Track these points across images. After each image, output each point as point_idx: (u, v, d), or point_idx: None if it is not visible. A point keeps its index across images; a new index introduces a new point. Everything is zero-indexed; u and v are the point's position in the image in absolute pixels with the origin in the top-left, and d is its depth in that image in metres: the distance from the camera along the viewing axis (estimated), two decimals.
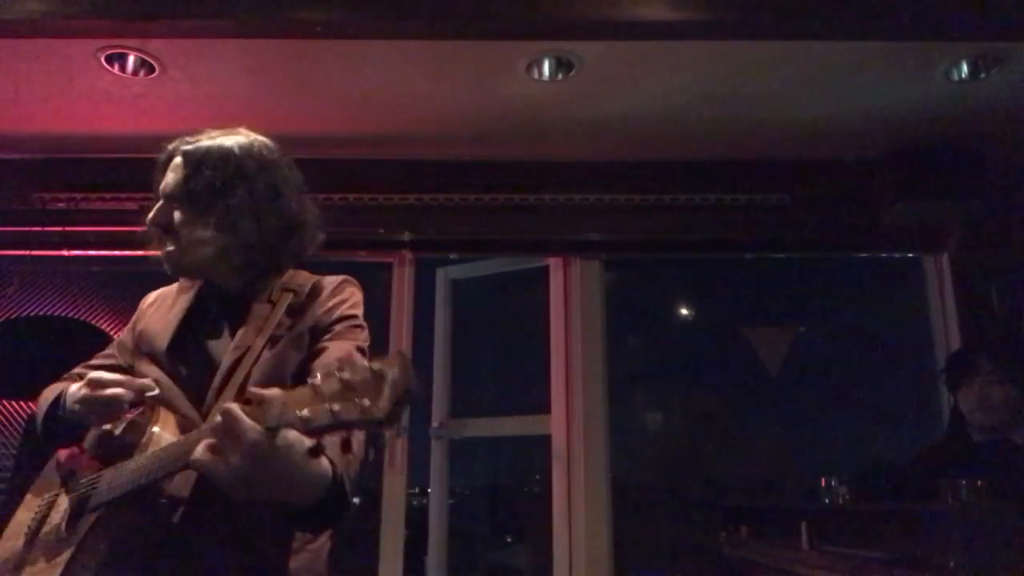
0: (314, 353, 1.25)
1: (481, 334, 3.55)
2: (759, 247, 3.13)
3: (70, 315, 3.05)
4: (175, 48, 2.26)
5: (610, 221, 2.99)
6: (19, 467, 2.55)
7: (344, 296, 1.35)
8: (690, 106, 2.62)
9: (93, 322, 3.02)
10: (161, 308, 1.40)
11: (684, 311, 3.56)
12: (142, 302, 1.48)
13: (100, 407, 1.19)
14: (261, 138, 1.37)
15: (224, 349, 1.25)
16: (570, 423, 2.93)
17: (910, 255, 3.18)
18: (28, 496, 1.29)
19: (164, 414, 1.21)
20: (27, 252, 2.96)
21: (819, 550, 1.87)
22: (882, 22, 2.09)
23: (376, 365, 0.80)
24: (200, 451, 0.93)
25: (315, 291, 1.34)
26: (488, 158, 2.99)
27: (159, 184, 1.32)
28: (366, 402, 0.78)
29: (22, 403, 2.94)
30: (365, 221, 2.89)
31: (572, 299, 3.07)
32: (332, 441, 0.89)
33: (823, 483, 2.03)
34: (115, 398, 1.17)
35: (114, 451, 1.21)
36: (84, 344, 2.87)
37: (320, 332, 1.28)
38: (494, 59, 2.34)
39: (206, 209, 1.26)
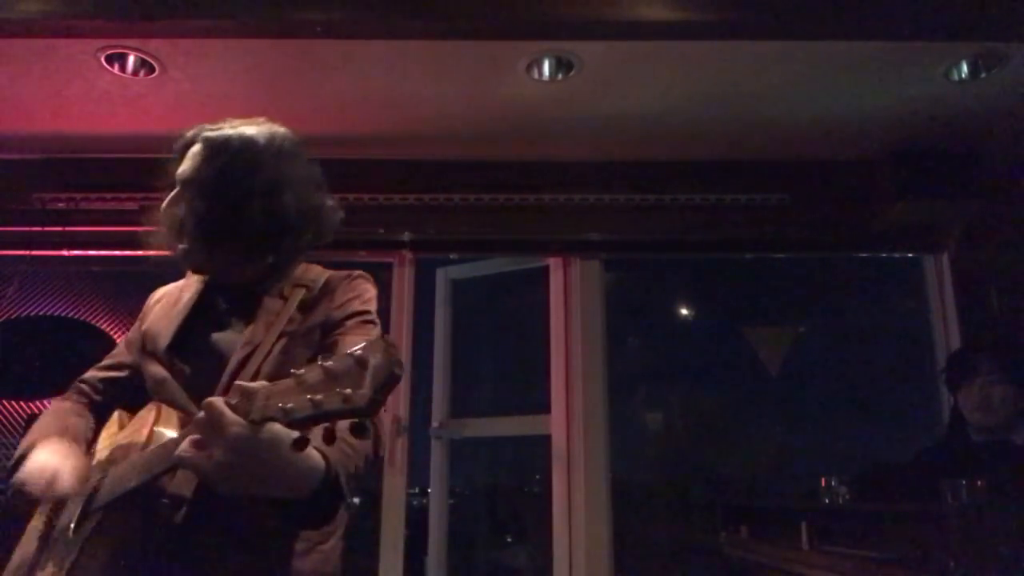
0: (325, 349, 1.22)
1: (481, 334, 3.55)
2: (759, 247, 3.13)
3: (70, 315, 3.05)
4: (175, 48, 2.26)
5: (610, 221, 2.99)
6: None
7: (357, 291, 1.32)
8: (690, 106, 2.62)
9: (93, 322, 3.02)
10: (167, 304, 1.37)
11: (684, 311, 3.56)
12: (149, 298, 1.45)
13: (34, 499, 1.15)
14: (283, 129, 1.34)
15: (233, 345, 1.22)
16: (570, 423, 2.93)
17: (910, 255, 3.18)
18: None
19: (166, 411, 1.19)
20: (27, 252, 2.96)
21: (819, 550, 1.87)
22: (882, 22, 2.09)
23: (358, 351, 0.78)
24: (184, 446, 0.92)
25: (327, 286, 1.32)
26: (488, 158, 2.99)
27: (175, 170, 1.30)
28: (348, 391, 0.76)
29: (22, 403, 2.94)
30: (365, 221, 2.89)
31: (572, 299, 3.07)
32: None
33: (823, 483, 2.03)
34: (49, 493, 1.13)
35: (119, 450, 1.19)
36: (84, 344, 2.90)
37: (331, 328, 1.25)
38: (494, 59, 2.34)
39: (222, 199, 1.23)
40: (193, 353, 1.25)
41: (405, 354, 2.99)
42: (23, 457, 1.19)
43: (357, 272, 1.37)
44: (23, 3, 2.03)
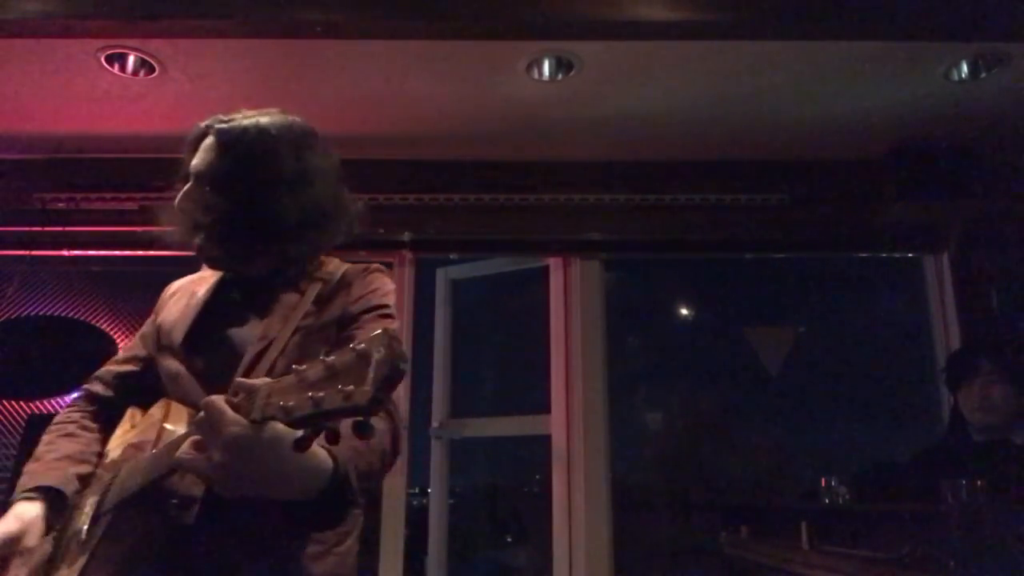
0: (340, 344, 1.17)
1: (481, 334, 3.55)
2: (759, 247, 3.13)
3: (70, 315, 3.05)
4: (175, 48, 2.26)
5: (610, 221, 2.99)
6: (19, 467, 2.55)
7: (374, 285, 1.29)
8: (690, 106, 2.62)
9: (93, 322, 3.01)
10: (182, 298, 1.34)
11: (684, 311, 3.56)
12: (164, 291, 1.41)
13: None
14: (299, 120, 1.31)
15: (249, 340, 1.19)
16: (570, 423, 2.93)
17: (910, 255, 3.18)
18: None
19: (176, 409, 1.17)
20: (27, 252, 2.96)
21: (819, 550, 1.87)
22: (882, 22, 2.09)
23: (361, 345, 0.74)
24: (185, 448, 0.90)
25: (344, 279, 1.28)
26: (488, 158, 2.99)
27: (188, 163, 1.27)
28: (349, 388, 0.72)
29: (22, 403, 2.94)
30: (365, 221, 2.89)
31: (572, 299, 3.07)
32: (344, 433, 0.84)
33: (823, 483, 2.03)
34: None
35: (130, 449, 1.17)
36: (84, 344, 2.90)
37: (347, 322, 1.22)
38: (494, 59, 2.34)
39: (237, 192, 1.20)
40: (208, 347, 1.21)
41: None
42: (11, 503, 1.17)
43: (374, 265, 1.34)
44: (23, 3, 2.03)
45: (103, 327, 3.00)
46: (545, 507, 2.91)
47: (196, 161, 1.26)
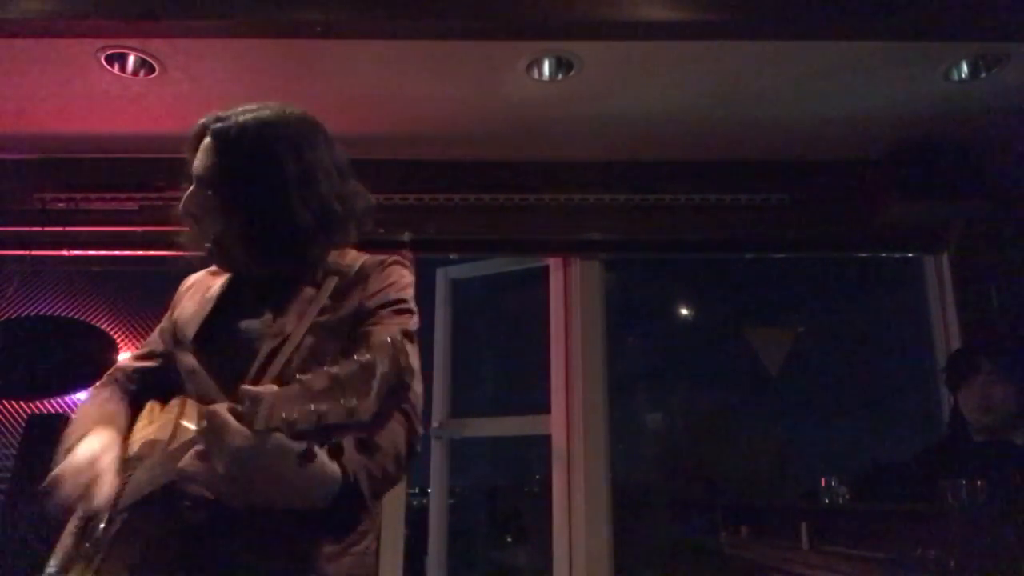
0: (357, 339, 1.15)
1: (481, 334, 3.55)
2: (759, 247, 3.12)
3: (70, 315, 3.05)
4: (175, 48, 2.26)
5: (610, 221, 2.99)
6: (19, 467, 2.55)
7: (391, 278, 1.25)
8: (690, 106, 2.62)
9: (93, 322, 3.01)
10: (197, 292, 1.31)
11: (684, 311, 3.56)
12: (181, 285, 1.38)
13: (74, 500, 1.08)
14: (299, 113, 1.25)
15: (264, 335, 1.15)
16: (570, 423, 2.93)
17: (910, 255, 3.18)
18: None
19: (192, 405, 1.15)
20: (27, 252, 2.96)
21: (819, 550, 1.87)
22: (882, 22, 2.09)
23: (365, 356, 0.72)
24: (188, 459, 0.88)
25: (361, 272, 1.24)
26: (488, 158, 2.99)
27: (190, 165, 1.22)
28: (353, 402, 0.71)
29: (22, 403, 2.94)
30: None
31: (572, 299, 3.06)
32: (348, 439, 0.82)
33: (823, 483, 2.03)
34: (66, 502, 1.06)
35: (146, 446, 1.15)
36: (84, 344, 2.90)
37: (364, 317, 1.18)
38: (494, 59, 2.34)
39: (239, 197, 1.16)
40: (222, 343, 1.18)
41: None
42: (68, 451, 1.14)
43: (392, 257, 1.30)
44: (23, 3, 2.03)
45: (103, 327, 3.00)
46: (545, 507, 2.91)
47: (196, 163, 1.21)
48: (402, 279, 1.27)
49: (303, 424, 0.75)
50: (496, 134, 2.81)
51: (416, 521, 3.16)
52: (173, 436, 1.10)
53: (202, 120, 1.23)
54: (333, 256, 1.27)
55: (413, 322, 1.23)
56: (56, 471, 1.08)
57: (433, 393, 3.20)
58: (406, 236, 3.01)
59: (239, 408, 0.85)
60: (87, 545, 1.09)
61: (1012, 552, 1.40)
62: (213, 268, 1.35)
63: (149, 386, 1.30)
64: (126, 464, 1.17)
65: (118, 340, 2.94)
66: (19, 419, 2.91)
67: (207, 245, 1.20)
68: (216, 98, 2.55)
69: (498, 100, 2.56)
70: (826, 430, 3.14)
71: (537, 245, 3.10)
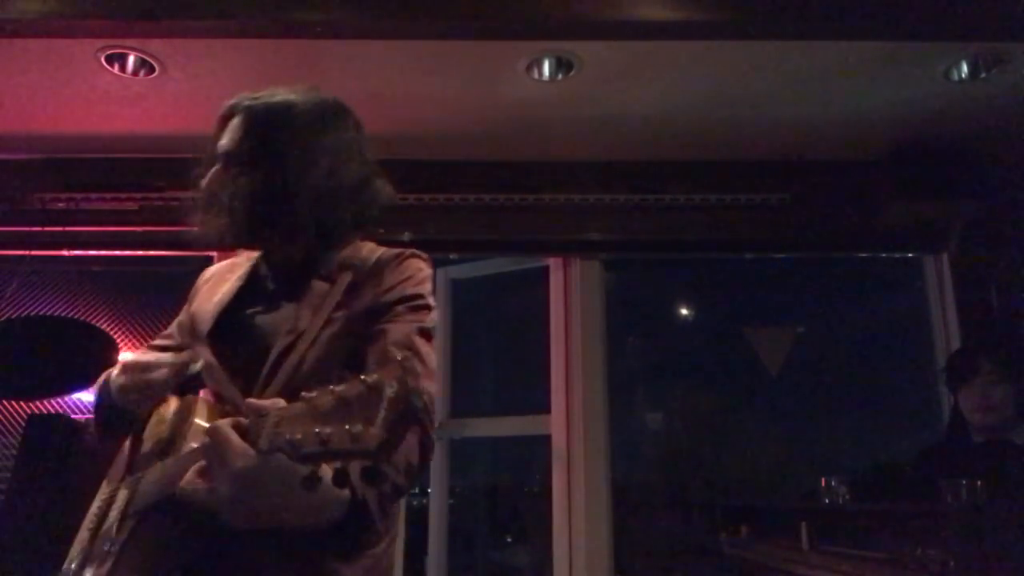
0: (371, 336, 1.12)
1: (481, 334, 3.55)
2: (759, 247, 3.12)
3: (70, 315, 3.05)
4: (175, 48, 2.25)
5: (610, 221, 2.99)
6: (19, 467, 2.55)
7: (407, 273, 1.22)
8: (690, 106, 2.62)
9: (93, 322, 3.01)
10: (215, 285, 1.29)
11: (684, 311, 3.56)
12: (200, 277, 1.37)
13: (139, 393, 1.11)
14: (329, 96, 1.27)
15: (279, 330, 1.14)
16: (570, 423, 2.93)
17: (910, 255, 3.18)
18: (103, 483, 1.22)
19: (201, 404, 1.14)
20: (27, 252, 2.96)
21: (819, 550, 1.87)
22: (882, 22, 2.09)
23: (372, 377, 0.68)
24: (189, 476, 0.86)
25: (377, 266, 1.22)
26: (488, 158, 2.98)
27: (215, 145, 1.22)
28: (358, 427, 0.67)
29: (22, 403, 2.94)
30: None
31: (572, 299, 3.06)
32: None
33: (823, 483, 2.03)
34: (150, 384, 1.09)
35: (158, 445, 1.14)
36: (84, 344, 2.89)
37: (379, 313, 1.15)
38: (494, 59, 2.34)
39: (265, 171, 1.16)
40: (237, 338, 1.17)
41: None
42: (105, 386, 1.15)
43: (409, 251, 1.27)
44: (23, 3, 2.03)
45: (103, 327, 2.99)
46: (545, 507, 2.91)
47: (223, 141, 1.21)
48: (419, 273, 1.24)
49: (308, 447, 0.72)
50: (496, 134, 2.81)
51: (416, 521, 3.16)
52: (183, 436, 1.09)
53: (230, 101, 1.24)
54: (349, 250, 1.25)
55: (430, 318, 1.20)
56: (128, 359, 1.12)
57: None
58: (406, 236, 3.01)
59: (244, 423, 0.83)
60: (102, 546, 1.08)
61: (1012, 552, 1.40)
62: (231, 262, 1.35)
63: None
64: (137, 463, 1.17)
65: (118, 340, 2.94)
66: (19, 419, 2.91)
67: (223, 223, 1.18)
68: (216, 98, 2.53)
69: (498, 100, 2.56)
70: (826, 430, 3.14)
71: (537, 245, 3.10)
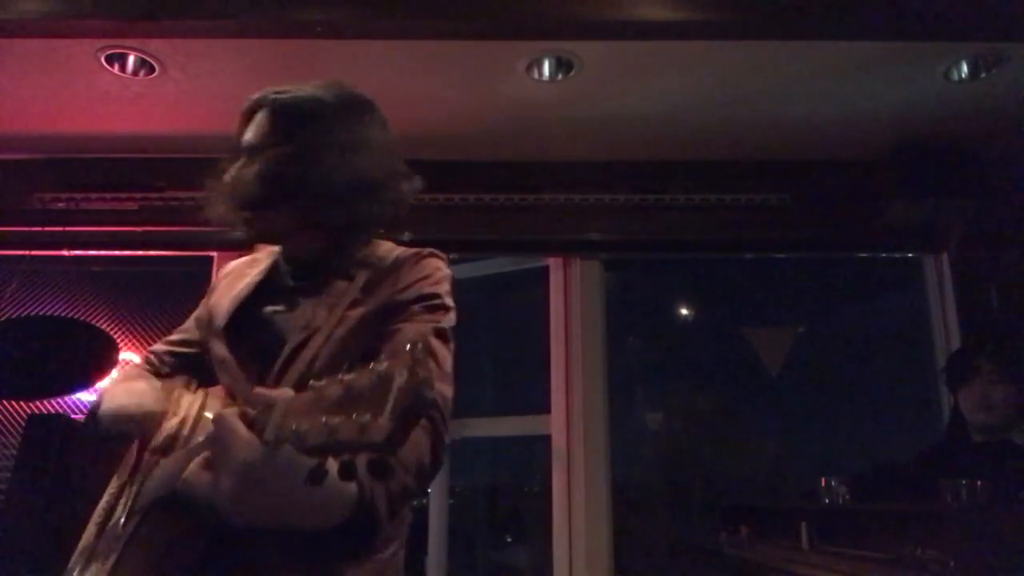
0: (386, 335, 1.10)
1: (481, 334, 3.55)
2: (759, 247, 3.13)
3: (70, 315, 3.05)
4: (175, 48, 2.26)
5: (610, 221, 2.99)
6: (19, 467, 2.55)
7: (425, 271, 1.20)
8: (690, 106, 2.62)
9: (93, 322, 3.01)
10: (233, 280, 1.28)
11: (684, 311, 3.56)
12: (220, 272, 1.35)
13: (127, 426, 1.10)
14: (356, 90, 1.27)
15: (294, 327, 1.13)
16: (570, 423, 2.93)
17: (910, 255, 3.18)
18: (114, 477, 1.20)
19: (213, 397, 1.13)
20: (27, 252, 2.96)
21: (819, 550, 1.87)
22: (882, 22, 2.09)
23: (382, 366, 0.66)
24: (193, 467, 0.84)
25: (394, 264, 1.21)
26: (488, 158, 2.99)
27: (239, 138, 1.21)
28: (366, 418, 0.63)
29: (22, 403, 2.94)
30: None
31: (572, 299, 3.07)
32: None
33: (823, 483, 2.03)
34: (130, 426, 1.08)
35: (168, 439, 1.12)
36: (84, 344, 2.89)
37: (395, 312, 1.13)
38: (494, 59, 2.34)
39: (288, 157, 1.14)
40: (253, 333, 1.16)
41: None
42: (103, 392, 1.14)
43: (428, 249, 1.26)
44: (23, 3, 2.03)
45: (103, 327, 2.99)
46: (545, 507, 2.91)
47: (249, 135, 1.20)
48: (437, 272, 1.22)
49: (314, 438, 0.69)
50: (496, 134, 2.81)
51: (416, 521, 3.15)
52: (193, 430, 1.08)
53: (255, 96, 1.23)
54: (368, 248, 1.25)
55: (448, 319, 1.19)
56: (99, 398, 1.11)
57: None
58: (406, 236, 3.01)
59: (251, 413, 0.80)
60: (107, 542, 1.06)
61: (1012, 552, 1.40)
62: (252, 258, 1.34)
63: (180, 370, 1.28)
64: (147, 458, 1.15)
65: (118, 340, 2.94)
66: (19, 419, 2.91)
67: (244, 215, 1.17)
68: (216, 98, 2.57)
69: (498, 100, 2.56)
70: (826, 430, 3.14)
71: (537, 245, 3.10)
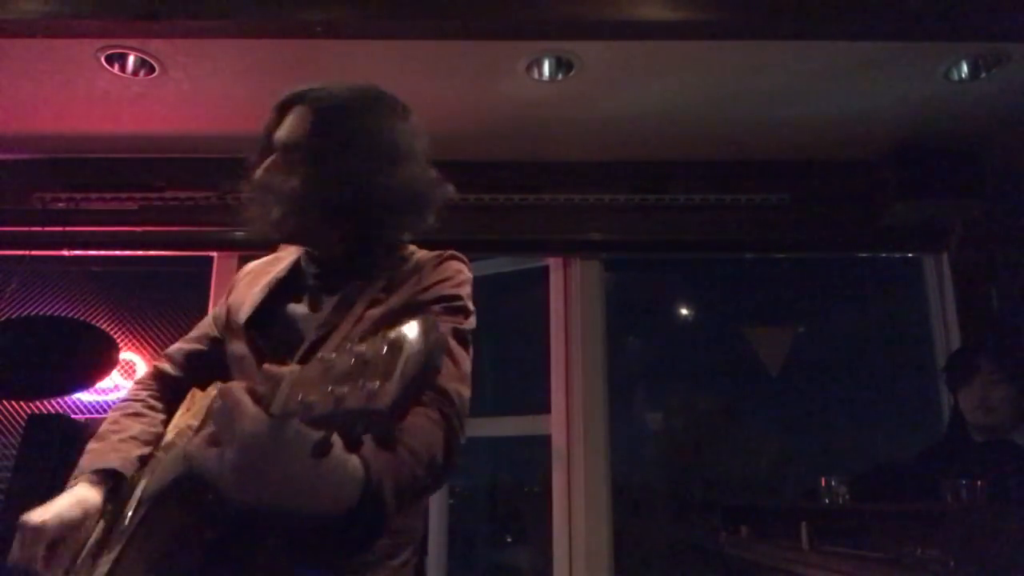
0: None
1: (481, 334, 3.54)
2: (759, 247, 3.13)
3: (70, 315, 3.05)
4: (175, 48, 2.26)
5: (610, 221, 2.99)
6: (19, 467, 2.55)
7: (446, 274, 1.19)
8: (690, 106, 2.62)
9: (93, 322, 3.02)
10: (255, 278, 1.27)
11: (684, 311, 3.56)
12: (240, 270, 1.34)
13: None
14: (391, 94, 1.26)
15: (314, 326, 1.12)
16: (570, 423, 2.93)
17: (910, 255, 3.18)
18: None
19: None
20: (27, 252, 2.96)
21: (819, 550, 1.87)
22: (882, 22, 2.09)
23: (394, 332, 0.62)
24: (196, 441, 0.82)
25: (416, 266, 1.20)
26: (488, 158, 2.99)
27: (272, 133, 1.20)
28: (374, 384, 0.60)
29: (22, 403, 2.94)
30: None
31: (572, 299, 3.07)
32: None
33: (823, 483, 2.03)
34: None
35: (179, 435, 1.12)
36: (84, 344, 2.90)
37: (415, 312, 1.10)
38: (494, 59, 2.34)
39: (331, 162, 1.13)
40: (273, 331, 1.15)
41: None
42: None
43: (449, 252, 1.25)
44: (23, 3, 2.03)
45: (103, 327, 3.00)
46: (545, 507, 2.91)
47: (284, 132, 1.18)
48: (458, 275, 1.21)
49: (320, 408, 0.65)
50: (496, 134, 2.81)
51: None
52: (203, 423, 1.08)
53: (290, 92, 1.22)
54: (391, 250, 1.25)
55: (469, 322, 1.17)
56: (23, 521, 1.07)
57: None
58: (406, 236, 3.00)
59: (259, 390, 0.77)
60: (117, 532, 1.06)
61: (1012, 552, 1.40)
62: (274, 257, 1.33)
63: (199, 371, 1.28)
64: (164, 450, 1.15)
65: (118, 340, 2.94)
66: (19, 419, 2.91)
67: (274, 216, 1.15)
68: (216, 98, 2.57)
69: (498, 100, 2.56)
70: (826, 430, 3.14)
71: (537, 245, 3.10)
